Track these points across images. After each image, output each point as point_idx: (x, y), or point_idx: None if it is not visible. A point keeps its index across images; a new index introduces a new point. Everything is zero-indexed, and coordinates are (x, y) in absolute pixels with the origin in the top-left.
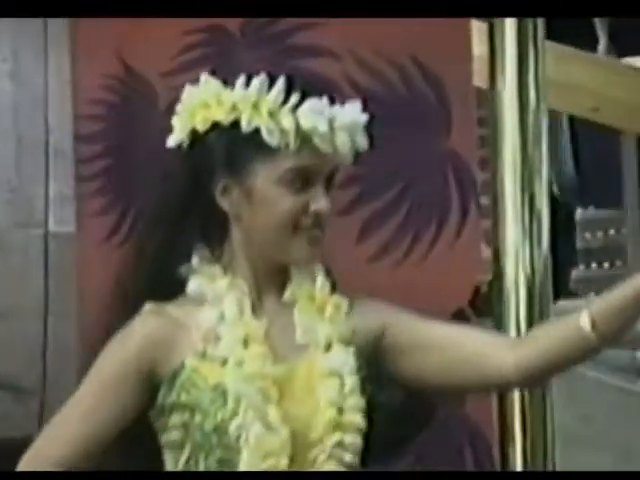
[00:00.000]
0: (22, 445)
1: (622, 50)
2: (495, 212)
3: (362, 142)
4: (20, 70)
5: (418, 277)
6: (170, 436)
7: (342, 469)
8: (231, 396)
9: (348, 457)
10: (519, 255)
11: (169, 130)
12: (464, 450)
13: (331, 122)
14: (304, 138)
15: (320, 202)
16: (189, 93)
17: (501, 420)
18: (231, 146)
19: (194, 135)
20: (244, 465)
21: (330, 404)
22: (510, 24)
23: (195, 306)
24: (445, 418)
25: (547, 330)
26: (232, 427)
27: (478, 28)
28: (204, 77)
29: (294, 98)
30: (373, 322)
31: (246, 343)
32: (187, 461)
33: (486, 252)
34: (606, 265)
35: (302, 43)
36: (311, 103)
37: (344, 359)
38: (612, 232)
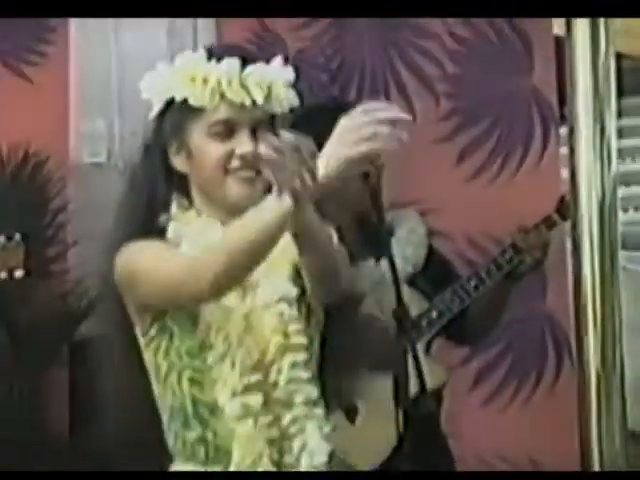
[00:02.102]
0: None
1: None
2: (571, 140)
3: (289, 96)
4: None
5: (509, 193)
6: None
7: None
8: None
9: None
10: (591, 176)
11: None
12: (546, 338)
13: (243, 79)
14: (222, 95)
15: (244, 146)
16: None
17: (577, 312)
18: (175, 115)
19: (165, 107)
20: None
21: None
22: None
23: (175, 248)
24: (527, 312)
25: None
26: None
27: None
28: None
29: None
30: None
31: None
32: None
33: (565, 173)
34: None
35: None
36: (228, 63)
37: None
38: None
